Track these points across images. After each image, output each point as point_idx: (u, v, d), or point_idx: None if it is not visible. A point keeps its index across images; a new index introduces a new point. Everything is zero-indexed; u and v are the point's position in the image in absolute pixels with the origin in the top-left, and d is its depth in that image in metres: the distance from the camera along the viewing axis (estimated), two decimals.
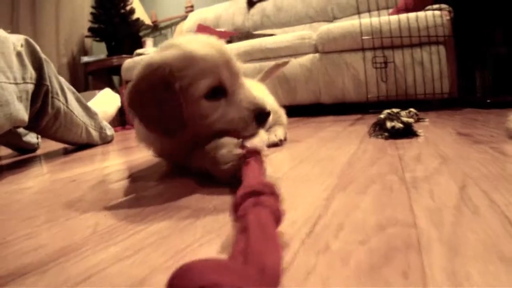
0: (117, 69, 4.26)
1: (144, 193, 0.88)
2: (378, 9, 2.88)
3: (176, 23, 5.43)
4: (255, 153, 0.82)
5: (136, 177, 1.09)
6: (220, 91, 0.89)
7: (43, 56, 1.55)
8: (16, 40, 1.43)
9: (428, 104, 2.75)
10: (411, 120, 1.41)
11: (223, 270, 0.28)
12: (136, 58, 3.87)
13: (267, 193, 0.48)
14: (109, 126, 2.20)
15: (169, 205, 0.75)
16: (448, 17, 2.73)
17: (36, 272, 0.47)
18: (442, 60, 2.71)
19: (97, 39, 5.01)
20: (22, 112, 1.36)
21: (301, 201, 0.70)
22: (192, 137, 0.92)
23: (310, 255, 0.45)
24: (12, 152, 2.07)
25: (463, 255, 0.42)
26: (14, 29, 4.37)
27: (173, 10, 5.54)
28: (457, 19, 2.82)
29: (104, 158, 1.62)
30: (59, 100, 1.63)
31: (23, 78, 1.39)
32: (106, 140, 2.13)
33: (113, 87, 4.97)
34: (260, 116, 0.90)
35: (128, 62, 3.86)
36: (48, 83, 1.55)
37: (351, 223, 0.55)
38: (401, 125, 1.37)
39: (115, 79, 5.34)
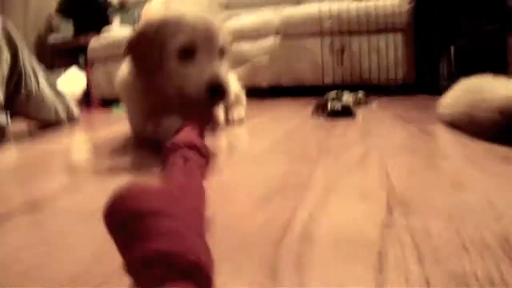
0: (84, 48, 4.25)
1: (109, 160, 1.00)
2: None
3: (144, 2, 5.38)
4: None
5: (101, 150, 1.20)
6: (190, 54, 0.94)
7: (18, 41, 1.61)
8: None
9: (386, 88, 2.85)
10: (350, 100, 1.51)
11: (168, 198, 0.31)
12: (102, 36, 3.86)
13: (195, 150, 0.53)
14: (75, 105, 2.25)
15: (130, 168, 0.88)
16: (407, 6, 2.81)
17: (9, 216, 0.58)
18: (398, 48, 2.81)
19: (65, 16, 4.97)
20: None
21: (234, 159, 0.87)
22: (161, 99, 1.02)
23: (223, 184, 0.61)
24: None
25: (334, 193, 0.58)
26: None
27: None
28: (421, 8, 2.90)
29: (71, 134, 1.72)
30: (31, 81, 1.69)
31: None
32: (72, 119, 2.17)
33: (79, 66, 4.95)
34: (214, 91, 0.91)
35: (94, 40, 3.87)
36: (22, 66, 1.62)
37: (263, 173, 0.71)
38: (339, 106, 1.47)
39: (81, 58, 5.30)
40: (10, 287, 0.36)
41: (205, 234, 0.32)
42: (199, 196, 0.39)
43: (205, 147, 0.54)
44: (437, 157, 0.78)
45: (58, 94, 1.95)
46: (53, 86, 1.91)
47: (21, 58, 1.59)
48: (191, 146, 0.51)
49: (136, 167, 0.86)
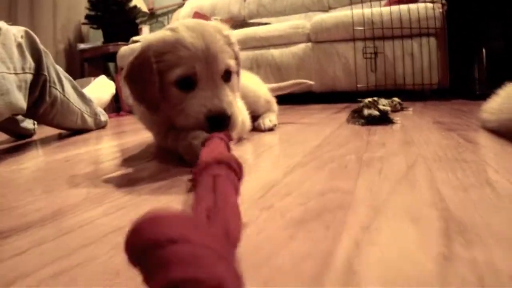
0: (113, 56, 4.27)
1: (132, 169, 0.96)
2: (371, 0, 2.91)
3: (173, 11, 5.44)
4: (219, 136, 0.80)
5: (126, 157, 1.17)
6: (191, 83, 0.92)
7: (41, 47, 1.62)
8: (17, 32, 1.50)
9: (420, 94, 2.79)
10: (387, 108, 1.47)
11: (190, 224, 0.29)
12: (131, 45, 3.89)
13: (224, 165, 0.50)
14: (103, 112, 2.26)
15: (151, 178, 0.83)
16: (440, 10, 2.76)
17: (36, 226, 0.56)
18: (432, 52, 2.75)
19: (94, 26, 5.03)
20: (21, 100, 1.42)
21: (264, 173, 0.81)
22: (168, 120, 0.99)
23: (255, 210, 0.55)
24: (9, 138, 2.12)
25: (383, 215, 0.50)
26: (12, 17, 4.37)
27: None
28: (453, 11, 2.85)
29: (97, 141, 1.69)
30: (56, 89, 1.70)
31: (23, 69, 1.46)
32: (100, 126, 2.19)
33: (108, 74, 4.97)
34: (214, 120, 0.89)
35: (124, 49, 3.89)
36: (46, 73, 1.62)
37: (298, 191, 0.64)
38: (377, 113, 1.42)
39: (111, 66, 5.35)
40: None
41: (234, 259, 0.29)
42: (230, 218, 0.35)
43: (235, 160, 0.51)
44: (490, 171, 0.71)
45: (85, 101, 1.96)
46: (80, 93, 1.92)
47: (45, 66, 1.59)
48: (221, 161, 0.49)
49: (158, 178, 0.82)
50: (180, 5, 5.26)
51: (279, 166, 0.85)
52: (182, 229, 0.27)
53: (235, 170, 0.50)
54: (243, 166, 0.52)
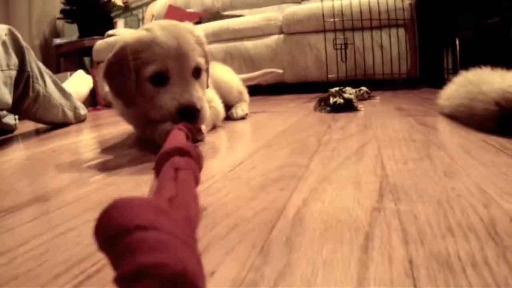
0: (88, 51, 4.25)
1: (113, 156, 1.03)
2: None
3: (147, 4, 5.43)
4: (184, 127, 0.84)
5: (106, 146, 1.24)
6: (164, 79, 0.97)
7: (24, 44, 1.67)
8: (1, 30, 1.55)
9: (391, 83, 2.87)
10: (352, 96, 1.53)
11: (155, 211, 0.30)
12: (107, 39, 3.89)
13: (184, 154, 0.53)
14: (82, 106, 2.30)
15: (130, 163, 0.91)
16: (409, 1, 2.83)
17: (27, 206, 0.63)
18: (401, 42, 2.83)
19: (69, 20, 5.00)
20: (7, 95, 1.48)
21: (235, 153, 0.92)
22: (144, 113, 1.06)
23: (225, 181, 0.65)
24: None
25: (329, 181, 0.60)
26: None
27: None
28: (423, 2, 2.93)
29: (78, 134, 1.75)
30: (38, 84, 1.74)
31: (8, 65, 1.51)
32: (79, 120, 2.22)
33: (84, 69, 4.93)
34: (184, 112, 0.94)
35: (99, 43, 3.89)
36: (29, 69, 1.67)
37: (262, 165, 0.74)
38: (342, 101, 1.49)
39: (87, 60, 5.32)
40: (19, 270, 0.39)
41: (195, 244, 0.32)
42: (191, 205, 0.39)
43: (195, 150, 0.54)
44: (433, 147, 0.79)
45: (65, 95, 2.00)
46: (60, 88, 1.96)
47: (28, 62, 1.65)
48: (182, 152, 0.52)
49: (138, 162, 0.89)
50: None
51: (248, 148, 0.94)
52: (148, 216, 0.28)
53: (195, 158, 0.53)
54: (202, 156, 0.55)
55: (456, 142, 0.85)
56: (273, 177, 0.64)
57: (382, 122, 1.17)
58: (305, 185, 0.58)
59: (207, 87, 1.16)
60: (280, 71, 2.17)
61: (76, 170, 0.88)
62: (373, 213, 0.45)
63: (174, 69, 0.96)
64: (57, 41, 4.90)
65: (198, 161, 0.52)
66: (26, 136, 1.83)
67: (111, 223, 0.28)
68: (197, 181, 0.48)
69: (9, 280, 0.37)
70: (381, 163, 0.68)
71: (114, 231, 0.27)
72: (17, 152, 1.32)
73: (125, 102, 1.04)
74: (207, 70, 1.11)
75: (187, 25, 1.07)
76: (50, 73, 1.91)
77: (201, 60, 1.03)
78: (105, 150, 1.15)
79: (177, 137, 0.70)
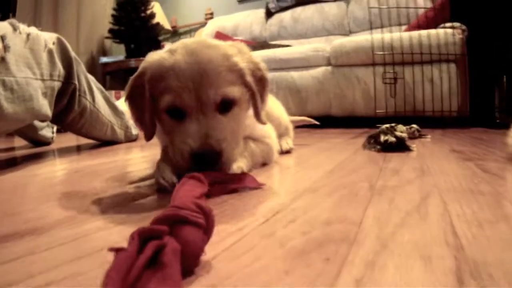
0: (134, 71, 4.31)
1: (135, 185, 0.94)
2: (390, 25, 2.91)
3: (195, 30, 5.52)
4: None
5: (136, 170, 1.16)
6: (181, 113, 0.85)
7: (73, 55, 1.63)
8: (49, 38, 1.51)
9: (439, 121, 2.78)
10: (404, 135, 1.45)
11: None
12: None
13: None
14: (134, 125, 2.27)
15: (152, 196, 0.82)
16: (460, 36, 2.75)
17: (33, 234, 0.57)
18: (452, 78, 2.74)
19: (117, 40, 5.12)
20: (45, 107, 1.43)
21: (273, 196, 0.79)
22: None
23: (256, 238, 0.53)
24: (27, 144, 2.17)
25: (389, 252, 0.47)
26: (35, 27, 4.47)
27: (193, 16, 5.64)
28: (473, 37, 2.84)
29: (114, 153, 1.69)
30: (86, 98, 1.72)
31: (51, 75, 1.47)
32: (130, 139, 2.21)
33: None
34: (199, 158, 0.81)
35: None
36: (76, 82, 1.64)
37: (303, 218, 0.62)
38: (393, 139, 1.40)
39: None
40: None
41: None
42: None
43: (193, 218, 0.42)
44: (505, 202, 0.69)
45: (117, 113, 1.98)
46: (112, 105, 1.95)
47: (75, 75, 1.61)
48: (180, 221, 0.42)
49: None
50: (203, 24, 5.34)
51: (289, 190, 0.83)
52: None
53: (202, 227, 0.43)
54: (213, 218, 0.45)
55: None
56: (317, 238, 0.51)
57: (440, 167, 1.07)
58: (358, 256, 0.45)
59: (263, 123, 1.02)
60: (317, 122, 2.11)
61: (95, 197, 0.82)
62: None
63: (191, 103, 0.82)
64: (104, 59, 5.02)
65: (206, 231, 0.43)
66: (65, 151, 1.82)
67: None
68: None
69: None
70: (451, 225, 0.56)
71: None
72: (46, 168, 1.30)
73: (144, 133, 0.94)
74: (254, 102, 0.95)
75: (231, 47, 0.91)
76: (102, 88, 1.89)
77: (232, 91, 0.86)
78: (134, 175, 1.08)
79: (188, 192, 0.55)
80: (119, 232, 0.58)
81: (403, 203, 0.69)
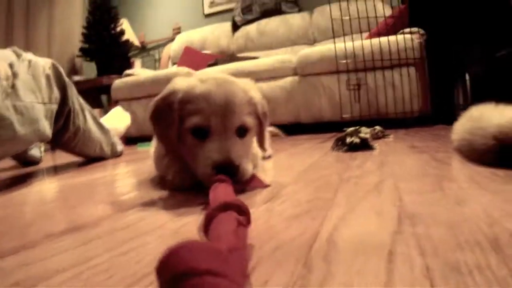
0: (106, 89, 4.41)
1: (143, 191, 1.10)
2: (352, 33, 3.07)
3: (164, 45, 5.63)
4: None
5: (138, 180, 1.32)
6: (205, 133, 0.97)
7: (66, 79, 1.76)
8: (45, 64, 1.64)
9: (404, 122, 2.96)
10: (367, 136, 1.62)
11: (219, 258, 0.31)
12: (125, 79, 4.05)
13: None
14: (119, 142, 2.40)
15: (163, 199, 0.99)
16: (418, 40, 2.96)
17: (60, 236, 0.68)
18: (412, 81, 2.95)
19: (88, 59, 5.20)
20: (47, 129, 1.57)
21: (262, 189, 0.99)
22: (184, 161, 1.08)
23: (260, 213, 0.74)
24: (15, 164, 2.25)
25: (354, 212, 0.69)
26: (7, 47, 4.48)
27: (161, 32, 5.79)
28: (433, 41, 3.05)
29: (106, 168, 1.82)
30: (79, 119, 1.85)
31: (50, 99, 1.60)
32: (116, 155, 2.32)
33: (101, 106, 5.07)
34: (221, 170, 0.91)
35: (117, 82, 4.05)
36: (70, 104, 1.77)
37: (292, 199, 0.83)
38: (358, 140, 1.58)
39: (104, 98, 5.44)
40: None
41: None
42: (244, 257, 0.43)
43: (244, 205, 0.55)
44: (445, 180, 0.88)
45: (103, 131, 2.09)
46: (98, 124, 2.07)
47: (70, 96, 1.75)
48: (239, 210, 0.54)
49: (172, 201, 0.94)
50: (171, 39, 5.45)
51: (275, 184, 1.03)
52: (214, 261, 0.30)
53: (245, 213, 0.55)
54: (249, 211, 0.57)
55: (467, 174, 0.94)
56: (304, 209, 0.72)
57: (398, 159, 1.26)
58: (333, 215, 0.66)
59: (265, 149, 1.21)
60: (283, 136, 2.48)
61: (108, 202, 0.95)
62: (394, 235, 0.53)
63: (216, 125, 0.95)
64: (76, 78, 5.04)
65: (249, 220, 0.56)
66: (58, 169, 1.93)
67: (177, 264, 0.29)
68: (246, 236, 0.50)
69: None
70: (399, 195, 0.76)
71: (180, 272, 0.28)
72: (48, 185, 1.40)
73: (167, 148, 1.07)
74: (260, 131, 1.12)
75: (247, 84, 1.07)
76: (90, 108, 2.02)
77: (248, 120, 1.01)
78: (139, 186, 1.20)
79: (225, 191, 0.75)
80: (136, 241, 0.73)
81: (364, 185, 0.90)
